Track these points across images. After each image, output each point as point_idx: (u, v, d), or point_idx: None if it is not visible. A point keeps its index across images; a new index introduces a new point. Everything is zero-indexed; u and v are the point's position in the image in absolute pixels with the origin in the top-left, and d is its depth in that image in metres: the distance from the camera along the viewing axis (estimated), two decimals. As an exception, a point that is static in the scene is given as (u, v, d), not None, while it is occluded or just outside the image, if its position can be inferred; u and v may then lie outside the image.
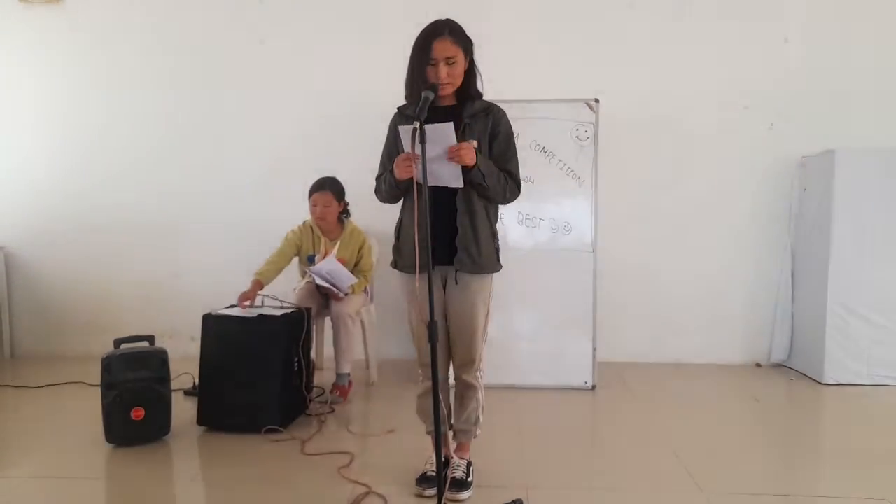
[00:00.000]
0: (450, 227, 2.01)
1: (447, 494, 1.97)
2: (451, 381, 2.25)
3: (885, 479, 2.30)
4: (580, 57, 3.91)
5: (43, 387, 3.44)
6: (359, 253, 3.41)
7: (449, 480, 2.07)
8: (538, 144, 3.48)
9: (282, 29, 4.02)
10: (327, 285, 3.21)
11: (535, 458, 2.49)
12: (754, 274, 3.97)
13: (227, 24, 4.05)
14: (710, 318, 4.00)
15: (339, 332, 3.23)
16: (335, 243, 3.37)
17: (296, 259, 3.42)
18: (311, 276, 3.27)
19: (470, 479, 2.17)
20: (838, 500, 2.13)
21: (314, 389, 3.16)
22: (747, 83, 3.88)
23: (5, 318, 4.16)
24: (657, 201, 3.96)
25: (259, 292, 3.05)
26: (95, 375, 2.58)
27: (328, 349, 3.46)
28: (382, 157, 2.13)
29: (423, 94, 1.85)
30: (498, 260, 2.11)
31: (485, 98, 2.10)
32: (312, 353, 3.18)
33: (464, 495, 2.10)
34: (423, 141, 1.79)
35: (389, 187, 2.04)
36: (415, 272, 1.88)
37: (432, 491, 2.07)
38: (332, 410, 3.06)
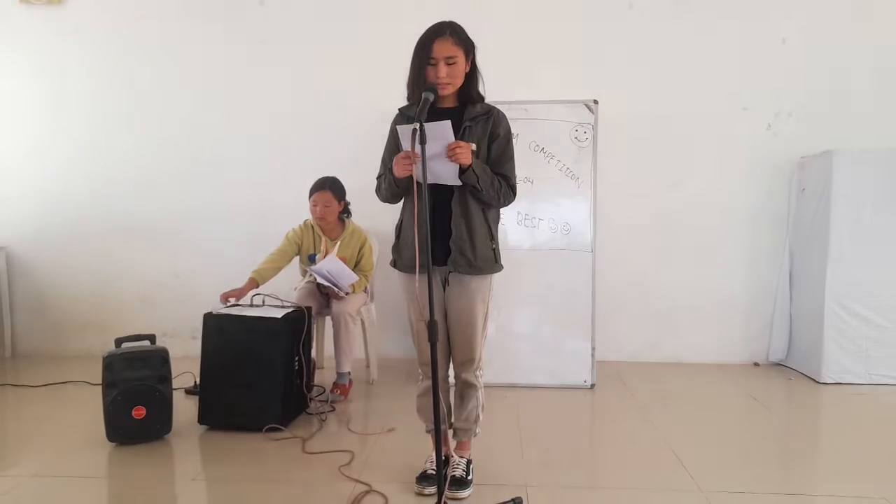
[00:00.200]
0: (447, 228, 2.02)
1: (447, 493, 1.98)
2: (451, 379, 2.26)
3: (883, 478, 2.31)
4: (579, 58, 3.92)
5: (44, 386, 3.45)
6: (359, 253, 3.42)
7: (449, 479, 2.08)
8: (537, 145, 3.49)
9: (282, 29, 4.03)
10: (328, 284, 3.22)
11: (534, 456, 2.50)
12: (753, 274, 3.99)
13: (227, 25, 4.06)
14: (709, 318, 4.01)
15: (339, 332, 3.24)
16: (336, 243, 3.38)
17: (296, 259, 3.43)
18: (311, 275, 3.28)
19: (470, 478, 2.18)
20: (837, 500, 2.14)
21: (315, 388, 3.17)
22: (746, 84, 3.90)
23: (6, 317, 4.17)
24: (656, 202, 3.97)
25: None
26: (96, 374, 2.59)
27: (329, 348, 3.48)
28: (383, 157, 2.14)
29: (423, 96, 1.87)
30: (496, 261, 2.12)
31: (484, 98, 2.11)
32: (313, 352, 3.19)
33: (464, 493, 2.11)
34: (422, 142, 1.80)
35: (389, 186, 2.05)
36: (414, 272, 1.89)
37: (432, 489, 2.09)
38: (333, 409, 3.08)
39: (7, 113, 4.16)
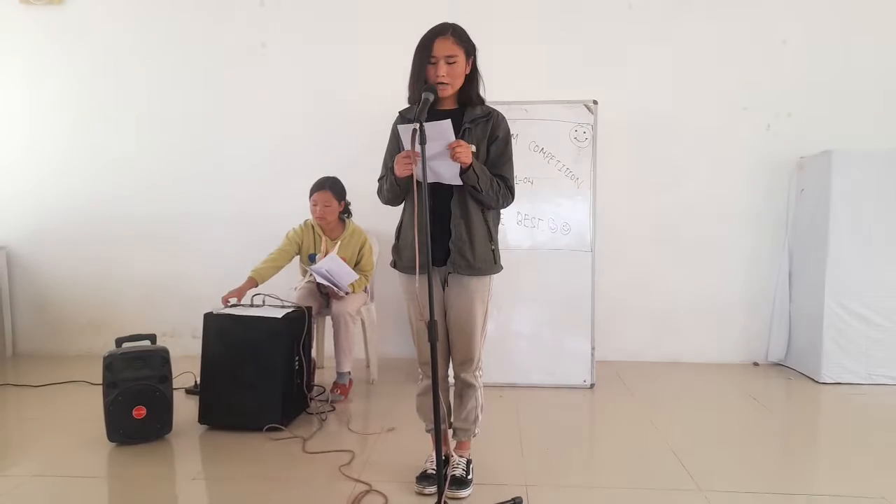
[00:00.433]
0: (446, 229, 2.03)
1: (447, 492, 1.99)
2: (451, 379, 2.26)
3: (882, 478, 2.31)
4: (579, 58, 3.92)
5: (44, 385, 3.46)
6: (359, 253, 3.42)
7: (449, 478, 2.08)
8: (537, 145, 3.49)
9: (283, 30, 4.04)
10: (328, 284, 3.22)
11: (534, 456, 2.50)
12: (752, 273, 3.99)
13: (228, 26, 4.06)
14: (708, 318, 4.02)
15: (339, 331, 3.25)
16: (336, 243, 3.38)
17: (296, 259, 3.43)
18: (311, 275, 3.28)
19: (470, 477, 2.18)
20: (836, 499, 2.15)
21: (315, 388, 3.17)
22: (745, 84, 3.90)
23: (7, 317, 4.17)
24: (655, 202, 3.98)
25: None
26: (97, 374, 2.59)
27: (329, 348, 3.48)
28: (385, 159, 2.15)
29: (423, 96, 1.88)
30: (496, 262, 2.12)
31: (485, 101, 2.12)
32: (313, 352, 3.19)
33: (464, 493, 2.12)
34: (422, 142, 1.80)
35: (391, 186, 2.05)
36: (414, 272, 1.90)
37: (432, 489, 2.09)
38: (333, 409, 3.08)
39: (7, 113, 4.17)
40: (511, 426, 2.85)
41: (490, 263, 2.10)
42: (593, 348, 3.47)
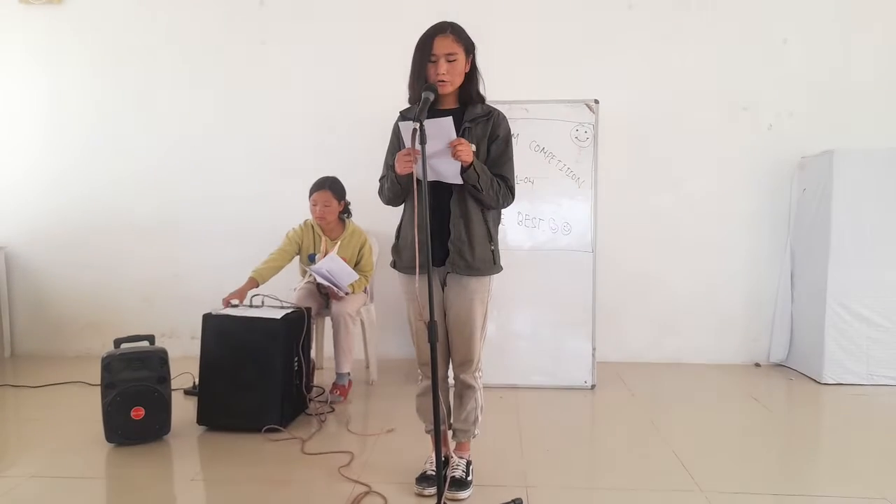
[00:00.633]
0: (445, 229, 2.02)
1: (447, 493, 1.98)
2: (451, 380, 2.25)
3: (884, 478, 2.30)
4: (580, 58, 3.91)
5: (43, 386, 3.45)
6: (359, 253, 3.41)
7: (448, 480, 2.07)
8: (538, 145, 3.48)
9: (282, 30, 4.03)
10: (328, 284, 3.21)
11: (534, 457, 2.49)
12: (754, 274, 3.98)
13: (227, 26, 4.05)
14: (710, 318, 4.01)
15: (339, 332, 3.24)
16: (336, 243, 3.37)
17: (296, 259, 3.42)
18: (311, 275, 3.27)
19: (469, 479, 2.17)
20: (837, 500, 2.14)
21: (314, 389, 3.16)
22: (746, 84, 3.89)
23: (5, 318, 4.16)
24: (656, 201, 3.97)
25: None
26: (95, 375, 2.58)
27: (328, 349, 3.47)
28: (386, 159, 2.14)
29: (423, 95, 1.87)
30: (495, 262, 2.11)
31: (485, 99, 2.11)
32: (312, 353, 3.18)
33: (463, 494, 2.11)
34: (423, 142, 1.79)
35: (392, 185, 2.05)
36: (414, 272, 1.89)
37: (432, 490, 2.08)
38: (332, 410, 3.07)
39: (6, 113, 4.16)
40: (511, 427, 2.84)
41: (489, 264, 2.08)
42: (594, 349, 3.46)
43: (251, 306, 3.00)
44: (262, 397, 2.74)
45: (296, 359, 2.90)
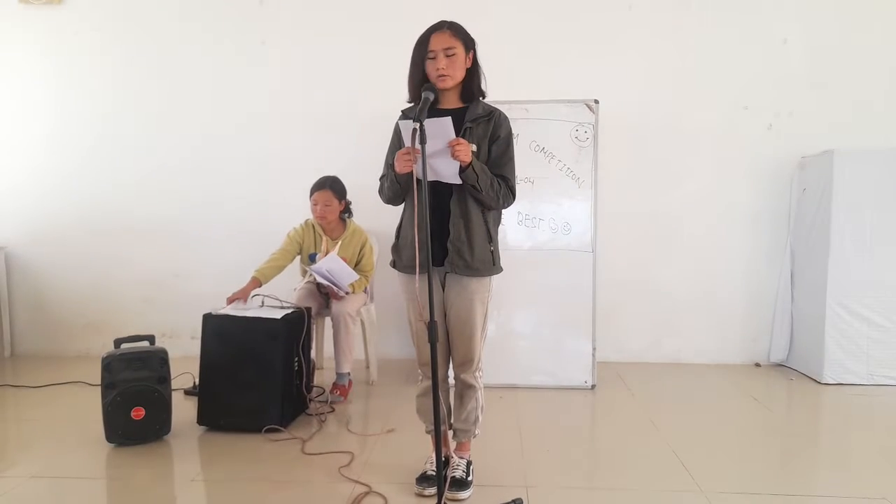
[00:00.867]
0: (445, 229, 2.02)
1: (447, 494, 1.98)
2: (451, 380, 2.25)
3: (884, 478, 2.30)
4: (580, 58, 3.91)
5: (43, 386, 3.45)
6: (360, 253, 3.41)
7: (449, 480, 2.07)
8: (538, 145, 3.48)
9: (282, 30, 4.03)
10: (328, 284, 3.21)
11: (534, 457, 2.49)
12: (754, 274, 3.98)
13: (227, 26, 4.05)
14: (710, 318, 4.01)
15: (339, 332, 3.24)
16: (337, 242, 3.37)
17: (297, 258, 3.42)
18: (311, 275, 3.27)
19: (470, 479, 2.17)
20: (837, 500, 2.14)
21: (314, 389, 3.16)
22: (746, 84, 3.89)
23: (5, 318, 4.16)
24: (656, 201, 3.97)
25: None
26: (96, 375, 2.58)
27: (328, 349, 3.47)
28: (386, 158, 2.14)
29: (423, 95, 1.87)
30: (494, 263, 2.10)
31: (486, 98, 2.11)
32: (312, 353, 3.18)
33: (464, 494, 2.11)
34: (423, 142, 1.79)
35: (391, 184, 2.05)
36: (413, 272, 1.89)
37: (432, 490, 2.08)
38: (333, 410, 3.07)
39: (6, 112, 4.15)
40: (511, 427, 2.84)
41: (488, 264, 2.08)
42: (594, 349, 3.45)
43: (251, 307, 2.99)
44: (263, 397, 2.74)
45: (296, 359, 2.90)
